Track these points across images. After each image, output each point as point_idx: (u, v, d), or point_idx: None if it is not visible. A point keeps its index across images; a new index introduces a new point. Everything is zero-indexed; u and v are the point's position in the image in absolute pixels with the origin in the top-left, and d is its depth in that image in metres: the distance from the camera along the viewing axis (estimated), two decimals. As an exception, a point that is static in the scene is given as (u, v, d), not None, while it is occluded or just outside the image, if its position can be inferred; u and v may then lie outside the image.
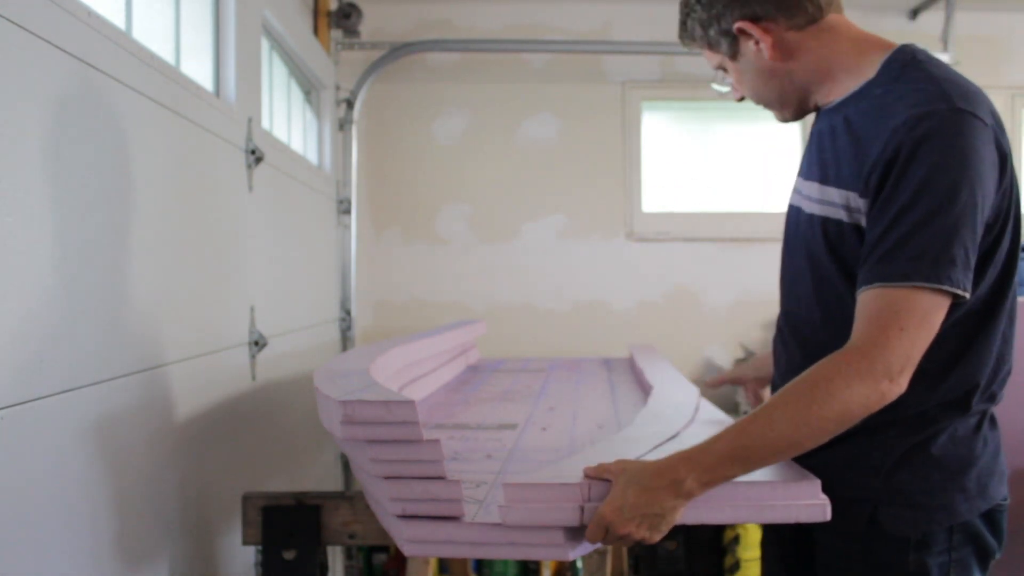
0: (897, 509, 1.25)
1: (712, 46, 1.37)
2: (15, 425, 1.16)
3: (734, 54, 1.35)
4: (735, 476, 1.14)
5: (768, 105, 1.40)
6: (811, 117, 1.41)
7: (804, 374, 1.16)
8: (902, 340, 1.12)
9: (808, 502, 1.15)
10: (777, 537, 1.49)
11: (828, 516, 1.15)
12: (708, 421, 1.63)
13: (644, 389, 2.17)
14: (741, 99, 1.43)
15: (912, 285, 1.13)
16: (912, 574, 1.24)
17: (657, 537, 1.14)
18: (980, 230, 1.17)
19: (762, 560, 1.57)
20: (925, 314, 1.13)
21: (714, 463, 1.12)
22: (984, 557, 1.28)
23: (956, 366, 1.24)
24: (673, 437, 1.43)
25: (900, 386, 1.13)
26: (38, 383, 1.22)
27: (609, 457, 1.20)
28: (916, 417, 1.25)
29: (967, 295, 1.15)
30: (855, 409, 1.12)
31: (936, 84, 1.19)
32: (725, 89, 1.45)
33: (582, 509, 1.13)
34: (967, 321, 1.23)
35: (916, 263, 1.13)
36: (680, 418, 1.59)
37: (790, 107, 1.38)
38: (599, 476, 1.15)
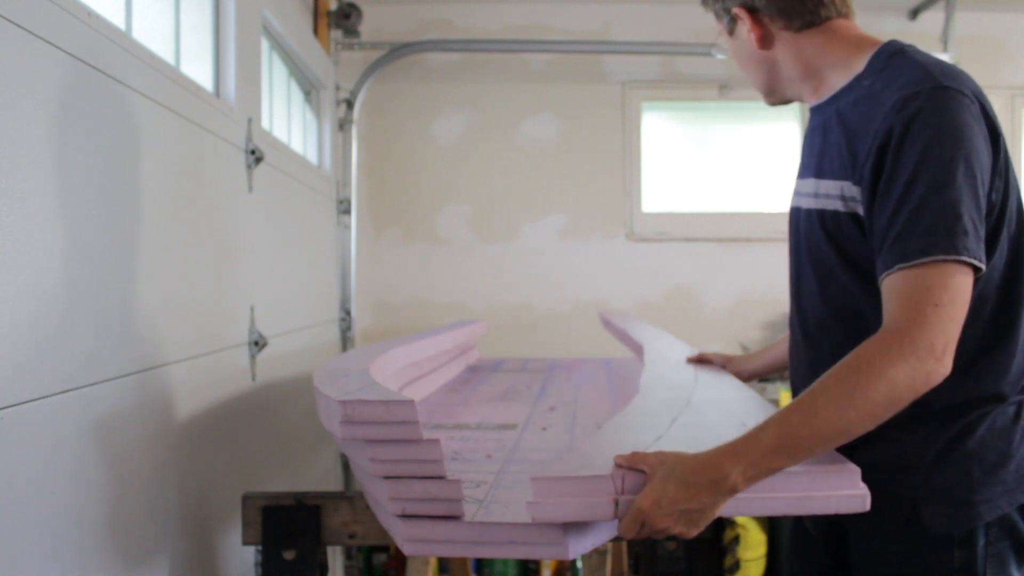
0: (939, 506, 1.22)
1: (717, 16, 1.45)
2: (15, 425, 1.16)
3: (731, 31, 1.43)
4: (781, 468, 1.09)
5: (754, 86, 1.47)
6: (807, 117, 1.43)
7: (844, 359, 1.12)
8: (940, 316, 1.10)
9: (848, 492, 1.11)
10: (806, 543, 1.46)
11: (868, 507, 1.11)
12: (711, 384, 1.62)
13: (633, 348, 2.15)
14: None
15: (933, 259, 1.11)
16: (957, 571, 1.22)
17: (695, 532, 1.11)
18: (984, 203, 1.16)
19: (787, 566, 1.53)
20: (954, 287, 1.11)
21: (760, 456, 1.08)
22: (1021, 550, 1.25)
23: (982, 358, 1.23)
24: (687, 405, 1.42)
25: (946, 366, 1.10)
26: (38, 383, 1.22)
27: (627, 435, 1.17)
28: (946, 411, 1.23)
29: (983, 266, 1.14)
30: (902, 390, 1.09)
31: (921, 67, 1.21)
32: (723, 56, 1.57)
33: (616, 503, 1.08)
34: (984, 309, 1.22)
35: (931, 237, 1.12)
36: (683, 380, 1.57)
37: (773, 95, 1.45)
38: (633, 466, 1.10)
